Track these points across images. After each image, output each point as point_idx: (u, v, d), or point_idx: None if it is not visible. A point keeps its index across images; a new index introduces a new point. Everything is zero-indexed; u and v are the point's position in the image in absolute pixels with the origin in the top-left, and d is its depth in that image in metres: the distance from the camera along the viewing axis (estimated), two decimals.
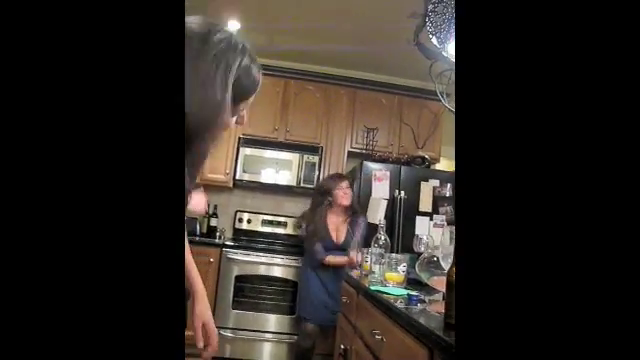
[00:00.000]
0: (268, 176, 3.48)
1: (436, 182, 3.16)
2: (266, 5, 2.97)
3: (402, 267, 1.81)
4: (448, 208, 3.06)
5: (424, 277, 1.60)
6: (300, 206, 3.66)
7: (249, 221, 3.68)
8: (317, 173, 3.49)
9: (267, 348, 3.11)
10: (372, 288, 1.70)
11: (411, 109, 3.66)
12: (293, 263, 3.16)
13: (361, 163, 3.19)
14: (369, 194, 3.09)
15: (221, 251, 3.14)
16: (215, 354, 1.03)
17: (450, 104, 1.53)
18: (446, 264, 1.41)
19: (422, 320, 1.14)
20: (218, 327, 3.08)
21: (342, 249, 2.71)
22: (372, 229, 2.65)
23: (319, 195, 2.84)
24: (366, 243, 2.53)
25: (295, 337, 3.00)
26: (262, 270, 3.17)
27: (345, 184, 2.81)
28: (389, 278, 1.80)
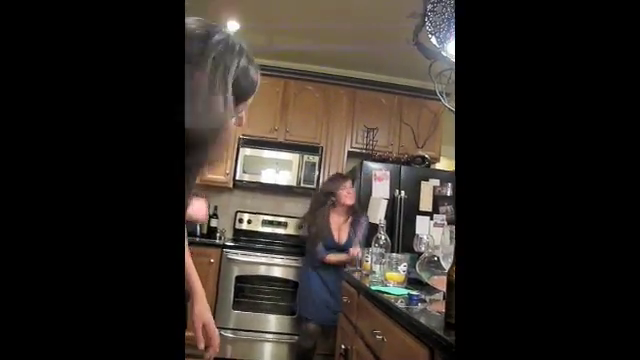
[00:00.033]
0: (268, 176, 3.48)
1: (436, 181, 3.16)
2: (265, 5, 2.97)
3: (402, 267, 1.81)
4: (448, 207, 3.06)
5: (424, 277, 1.60)
6: (300, 206, 3.66)
7: (249, 221, 3.68)
8: (317, 173, 3.49)
9: (268, 348, 3.11)
10: (373, 288, 1.70)
11: (411, 109, 3.66)
12: (293, 263, 3.16)
13: (361, 163, 3.20)
14: (369, 194, 3.10)
15: (221, 252, 3.14)
16: (216, 355, 1.03)
17: (450, 104, 1.53)
18: (446, 263, 1.41)
19: (423, 320, 1.14)
20: (219, 328, 3.08)
21: (344, 249, 2.71)
22: (372, 229, 2.65)
23: (322, 195, 2.83)
24: (367, 243, 2.54)
25: (296, 337, 3.00)
26: (262, 270, 3.17)
27: (349, 184, 2.81)
28: (390, 278, 1.80)
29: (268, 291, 3.18)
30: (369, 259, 2.06)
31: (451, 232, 1.43)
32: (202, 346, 0.99)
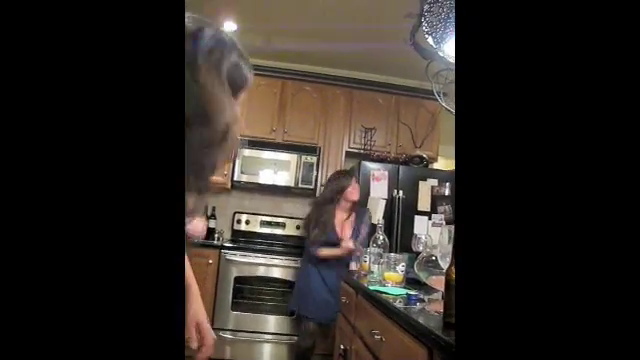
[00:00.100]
0: (266, 177, 3.48)
1: (434, 181, 3.16)
2: (262, 6, 2.97)
3: (401, 267, 1.81)
4: (446, 207, 3.06)
5: (423, 276, 1.61)
6: (299, 207, 3.66)
7: (247, 222, 3.68)
8: (315, 173, 3.49)
9: (267, 349, 3.11)
10: (371, 288, 1.71)
11: (408, 109, 3.66)
12: (292, 264, 3.15)
13: (359, 163, 3.20)
14: (367, 194, 3.10)
15: (220, 253, 3.13)
16: (211, 355, 1.01)
17: (447, 103, 1.53)
18: (444, 263, 1.41)
19: (421, 319, 1.15)
20: (217, 329, 3.08)
21: None
22: (371, 229, 2.66)
23: (335, 193, 2.78)
24: (366, 242, 2.54)
25: (295, 338, 3.00)
26: (261, 271, 3.17)
27: (354, 180, 2.81)
28: (388, 278, 1.80)
29: (267, 292, 3.18)
30: (367, 259, 2.06)
31: (449, 232, 1.43)
32: (195, 345, 0.97)
